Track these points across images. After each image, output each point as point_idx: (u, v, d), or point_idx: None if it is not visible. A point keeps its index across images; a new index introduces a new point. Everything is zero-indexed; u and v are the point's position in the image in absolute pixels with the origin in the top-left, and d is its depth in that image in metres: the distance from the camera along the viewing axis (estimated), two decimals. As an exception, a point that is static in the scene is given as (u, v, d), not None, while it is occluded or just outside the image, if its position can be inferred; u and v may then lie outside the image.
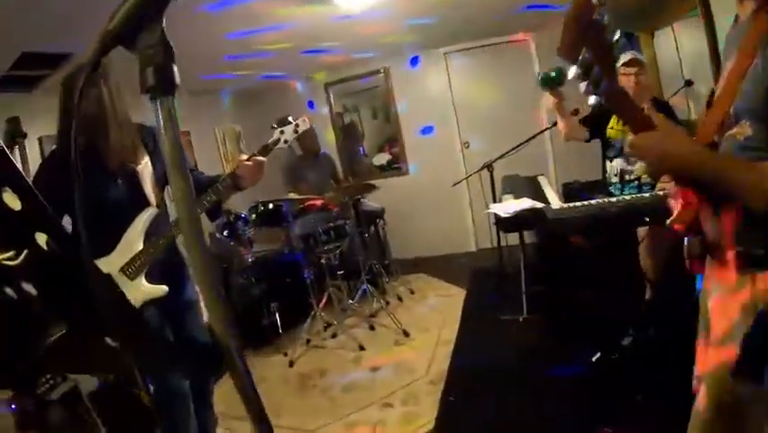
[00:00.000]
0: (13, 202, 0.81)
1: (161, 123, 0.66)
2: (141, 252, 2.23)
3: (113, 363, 1.55)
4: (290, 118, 2.58)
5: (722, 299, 1.29)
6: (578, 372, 3.02)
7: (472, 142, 6.15)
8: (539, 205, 3.51)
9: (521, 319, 3.95)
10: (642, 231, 3.21)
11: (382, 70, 6.30)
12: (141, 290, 2.23)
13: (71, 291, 0.94)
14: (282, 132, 2.51)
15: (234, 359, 0.73)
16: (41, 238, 0.86)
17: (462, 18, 4.67)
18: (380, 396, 3.38)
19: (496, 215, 3.66)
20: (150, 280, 2.25)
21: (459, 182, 4.93)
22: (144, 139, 2.37)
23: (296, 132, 2.54)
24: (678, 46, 4.41)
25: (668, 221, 1.42)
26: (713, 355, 1.31)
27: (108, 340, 1.12)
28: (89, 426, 3.06)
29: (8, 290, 0.93)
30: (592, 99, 1.13)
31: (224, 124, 6.34)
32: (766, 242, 1.14)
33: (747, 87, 1.17)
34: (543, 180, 4.19)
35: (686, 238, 1.40)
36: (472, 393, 3.19)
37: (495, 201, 4.21)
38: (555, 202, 3.52)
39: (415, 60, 6.18)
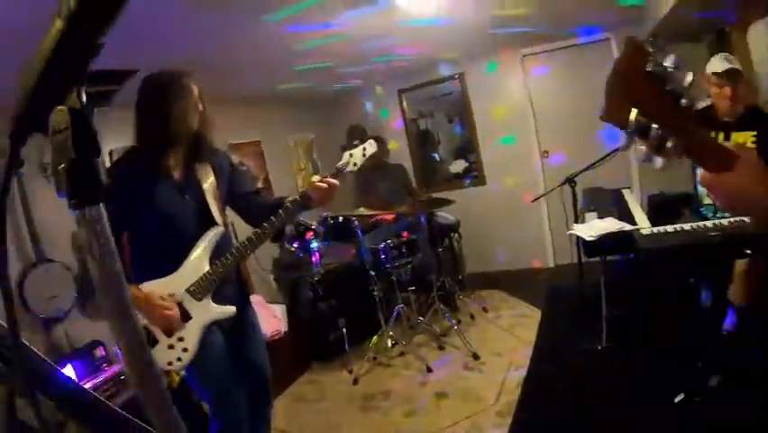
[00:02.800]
0: None
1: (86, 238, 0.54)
2: (208, 272, 2.21)
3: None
4: (356, 143, 2.63)
5: None
6: (657, 413, 2.71)
7: (552, 150, 5.78)
8: (627, 227, 3.17)
9: (599, 348, 3.59)
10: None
11: (457, 76, 6.07)
12: (209, 311, 2.21)
13: None
14: (351, 155, 2.56)
15: None
16: None
17: (541, 19, 4.37)
18: (444, 425, 3.20)
19: (579, 237, 3.34)
20: (216, 300, 2.23)
21: (538, 198, 4.62)
22: (215, 160, 2.38)
23: (364, 155, 2.57)
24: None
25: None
26: None
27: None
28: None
29: None
30: (659, 163, 0.88)
31: (296, 133, 6.33)
32: None
33: None
34: (628, 195, 3.85)
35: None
36: (541, 430, 2.95)
37: (576, 217, 3.88)
38: (644, 223, 3.17)
39: (491, 65, 5.88)
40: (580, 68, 5.48)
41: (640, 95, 0.82)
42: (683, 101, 0.80)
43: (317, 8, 2.93)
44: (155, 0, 2.25)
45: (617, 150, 3.64)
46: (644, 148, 0.85)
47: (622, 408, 2.87)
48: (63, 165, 0.51)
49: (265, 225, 2.27)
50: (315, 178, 2.40)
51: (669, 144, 0.82)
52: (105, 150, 3.96)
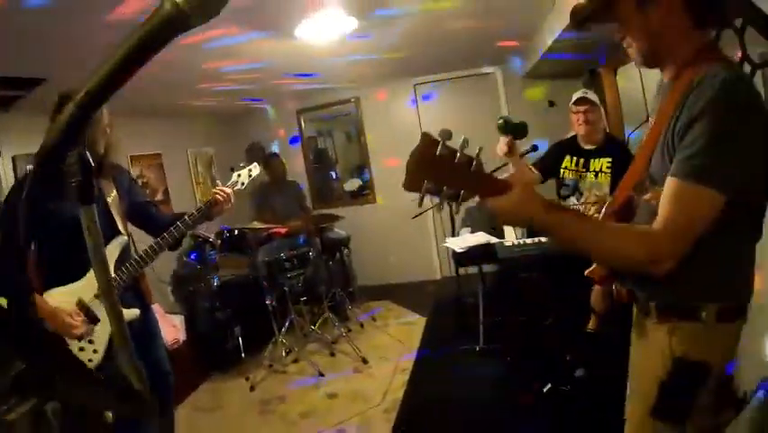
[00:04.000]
0: None
1: (85, 227, 0.85)
2: (113, 278, 2.34)
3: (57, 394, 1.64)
4: (242, 165, 2.99)
5: (643, 346, 1.44)
6: (528, 402, 3.15)
7: None
8: (493, 240, 3.66)
9: (477, 349, 4.06)
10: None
11: (353, 99, 6.46)
12: None
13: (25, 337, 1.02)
14: (239, 175, 2.90)
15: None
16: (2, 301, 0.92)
17: (431, 53, 4.84)
18: (336, 422, 3.46)
19: (451, 249, 3.78)
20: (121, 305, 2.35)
21: (417, 216, 4.94)
22: (113, 174, 2.54)
23: (249, 176, 2.96)
24: (643, 81, 4.56)
25: (586, 272, 1.56)
26: (635, 400, 1.46)
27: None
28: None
29: None
30: (454, 207, 1.31)
31: (196, 147, 6.40)
32: (676, 294, 1.27)
33: (657, 154, 1.29)
34: None
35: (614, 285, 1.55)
36: (423, 424, 3.29)
37: (454, 233, 4.34)
38: (509, 238, 3.66)
39: (384, 91, 6.33)
40: (468, 96, 6.10)
41: (431, 171, 1.21)
42: (473, 163, 1.20)
43: (222, 28, 3.09)
44: (67, 10, 2.37)
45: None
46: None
47: (497, 399, 3.29)
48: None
49: (166, 233, 2.45)
50: (217, 189, 2.66)
51: (462, 194, 1.24)
52: (8, 155, 3.92)
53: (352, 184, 6.79)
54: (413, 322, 5.08)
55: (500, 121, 2.87)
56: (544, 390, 3.20)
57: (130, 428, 2.49)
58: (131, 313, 2.38)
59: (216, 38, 3.22)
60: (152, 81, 4.02)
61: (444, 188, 1.24)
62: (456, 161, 1.19)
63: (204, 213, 2.56)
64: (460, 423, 3.17)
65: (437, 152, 1.19)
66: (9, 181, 3.90)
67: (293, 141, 6.83)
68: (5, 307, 0.87)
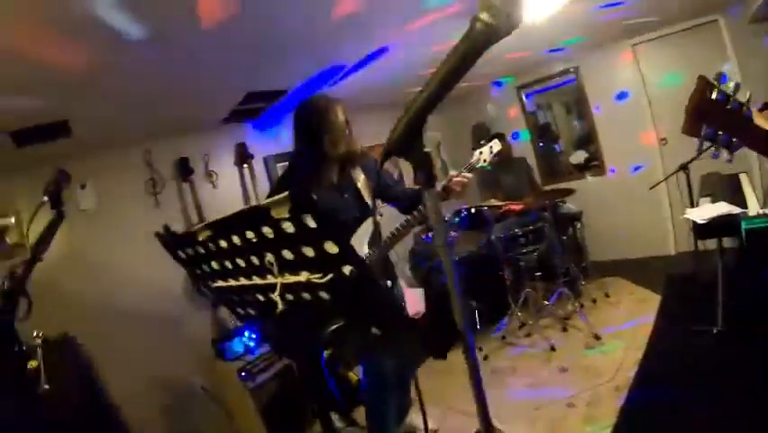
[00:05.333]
0: (332, 248, 1.23)
1: (429, 207, 1.17)
2: (366, 254, 2.78)
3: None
4: (482, 142, 2.97)
5: None
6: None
7: (670, 137, 5.75)
8: (735, 210, 3.36)
9: (715, 331, 3.74)
10: None
11: (572, 69, 6.25)
12: None
13: (353, 298, 1.39)
14: (481, 153, 2.90)
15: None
16: (347, 269, 1.26)
17: (645, 8, 4.51)
18: (565, 396, 3.59)
19: (692, 221, 3.55)
20: None
21: (654, 186, 4.74)
22: (363, 163, 2.95)
23: (491, 152, 2.92)
24: None
25: None
26: None
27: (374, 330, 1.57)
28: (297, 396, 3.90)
29: (305, 295, 1.40)
30: (725, 155, 1.31)
31: (425, 134, 6.84)
32: None
33: None
34: (744, 179, 3.87)
35: None
36: (655, 404, 3.23)
37: (692, 203, 4.06)
38: (753, 207, 3.34)
39: (602, 56, 6.00)
40: (691, 49, 5.45)
41: (708, 115, 1.24)
42: (744, 110, 1.22)
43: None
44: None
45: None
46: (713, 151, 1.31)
47: (732, 389, 3.01)
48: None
49: (412, 214, 2.78)
50: (453, 173, 2.81)
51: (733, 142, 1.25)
52: (260, 157, 4.93)
53: (578, 156, 6.60)
54: (646, 299, 4.86)
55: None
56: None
57: (373, 388, 2.97)
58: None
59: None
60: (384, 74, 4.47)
61: (720, 133, 1.26)
62: (729, 106, 1.22)
63: (442, 198, 2.77)
64: (690, 409, 3.01)
65: (713, 96, 1.22)
66: (261, 179, 4.82)
67: (515, 117, 6.90)
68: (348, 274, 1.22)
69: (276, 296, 1.38)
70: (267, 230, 1.24)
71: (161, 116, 3.74)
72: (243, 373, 3.80)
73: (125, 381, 3.44)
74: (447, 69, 0.93)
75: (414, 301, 4.82)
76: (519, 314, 4.82)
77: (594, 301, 5.12)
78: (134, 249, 3.72)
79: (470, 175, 2.79)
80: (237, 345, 3.97)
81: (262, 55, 3.09)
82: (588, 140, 6.46)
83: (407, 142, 1.05)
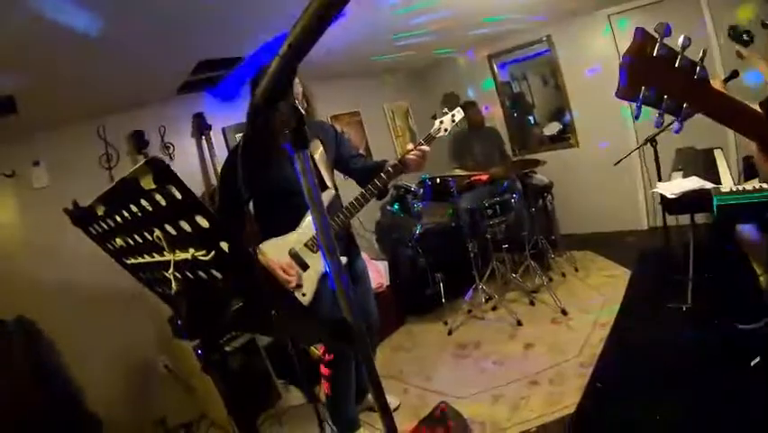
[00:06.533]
0: (203, 222, 1.08)
1: (299, 170, 0.97)
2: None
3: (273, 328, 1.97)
4: (445, 111, 2.88)
5: None
6: (735, 374, 2.79)
7: (644, 110, 5.60)
8: (708, 186, 3.25)
9: (684, 308, 3.66)
10: None
11: (544, 38, 6.03)
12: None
13: (244, 277, 1.23)
14: (442, 122, 2.84)
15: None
16: (224, 245, 1.12)
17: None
18: (529, 372, 3.51)
19: (661, 195, 3.44)
20: None
21: (620, 161, 4.53)
22: (317, 133, 2.81)
23: (453, 121, 2.85)
24: None
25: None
26: None
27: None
28: (262, 372, 3.75)
29: (201, 274, 1.26)
30: (676, 126, 1.08)
31: (392, 102, 6.69)
32: None
33: None
34: (718, 154, 3.77)
35: None
36: (621, 382, 3.14)
37: (660, 177, 3.95)
38: (726, 183, 3.23)
39: (577, 27, 5.78)
40: (668, 21, 5.24)
41: (648, 76, 1.00)
42: (697, 72, 0.98)
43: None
44: None
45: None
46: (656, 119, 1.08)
47: (701, 366, 2.93)
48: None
49: (369, 186, 2.68)
50: (410, 146, 2.73)
51: (684, 109, 1.02)
52: (218, 128, 4.74)
53: (552, 128, 6.44)
54: (616, 275, 4.78)
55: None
56: (752, 363, 2.76)
57: (335, 364, 2.88)
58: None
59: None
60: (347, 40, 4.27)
61: (665, 97, 1.03)
62: (676, 64, 0.99)
63: (398, 170, 2.70)
64: (659, 387, 2.92)
65: (654, 52, 1.00)
66: (221, 149, 4.60)
67: (486, 86, 6.70)
68: (227, 250, 1.07)
69: (170, 274, 1.22)
70: (145, 203, 1.06)
71: (111, 90, 3.54)
72: (200, 351, 3.62)
73: (87, 362, 3.43)
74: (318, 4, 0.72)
75: (376, 274, 4.70)
76: (485, 287, 4.69)
77: (563, 275, 5.04)
78: (89, 226, 3.53)
79: (426, 148, 2.71)
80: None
81: (201, 22, 2.87)
82: (562, 111, 6.30)
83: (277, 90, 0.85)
